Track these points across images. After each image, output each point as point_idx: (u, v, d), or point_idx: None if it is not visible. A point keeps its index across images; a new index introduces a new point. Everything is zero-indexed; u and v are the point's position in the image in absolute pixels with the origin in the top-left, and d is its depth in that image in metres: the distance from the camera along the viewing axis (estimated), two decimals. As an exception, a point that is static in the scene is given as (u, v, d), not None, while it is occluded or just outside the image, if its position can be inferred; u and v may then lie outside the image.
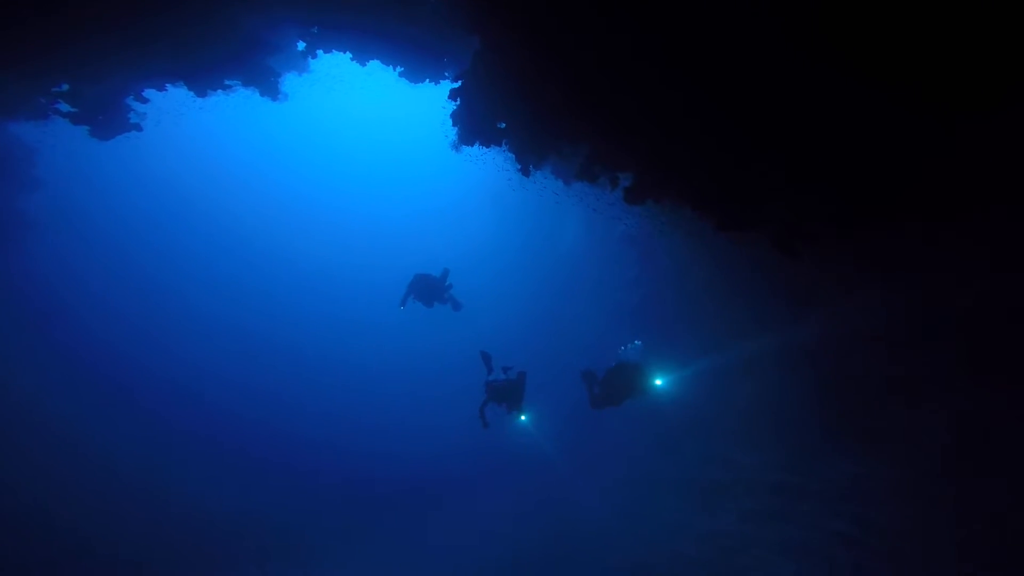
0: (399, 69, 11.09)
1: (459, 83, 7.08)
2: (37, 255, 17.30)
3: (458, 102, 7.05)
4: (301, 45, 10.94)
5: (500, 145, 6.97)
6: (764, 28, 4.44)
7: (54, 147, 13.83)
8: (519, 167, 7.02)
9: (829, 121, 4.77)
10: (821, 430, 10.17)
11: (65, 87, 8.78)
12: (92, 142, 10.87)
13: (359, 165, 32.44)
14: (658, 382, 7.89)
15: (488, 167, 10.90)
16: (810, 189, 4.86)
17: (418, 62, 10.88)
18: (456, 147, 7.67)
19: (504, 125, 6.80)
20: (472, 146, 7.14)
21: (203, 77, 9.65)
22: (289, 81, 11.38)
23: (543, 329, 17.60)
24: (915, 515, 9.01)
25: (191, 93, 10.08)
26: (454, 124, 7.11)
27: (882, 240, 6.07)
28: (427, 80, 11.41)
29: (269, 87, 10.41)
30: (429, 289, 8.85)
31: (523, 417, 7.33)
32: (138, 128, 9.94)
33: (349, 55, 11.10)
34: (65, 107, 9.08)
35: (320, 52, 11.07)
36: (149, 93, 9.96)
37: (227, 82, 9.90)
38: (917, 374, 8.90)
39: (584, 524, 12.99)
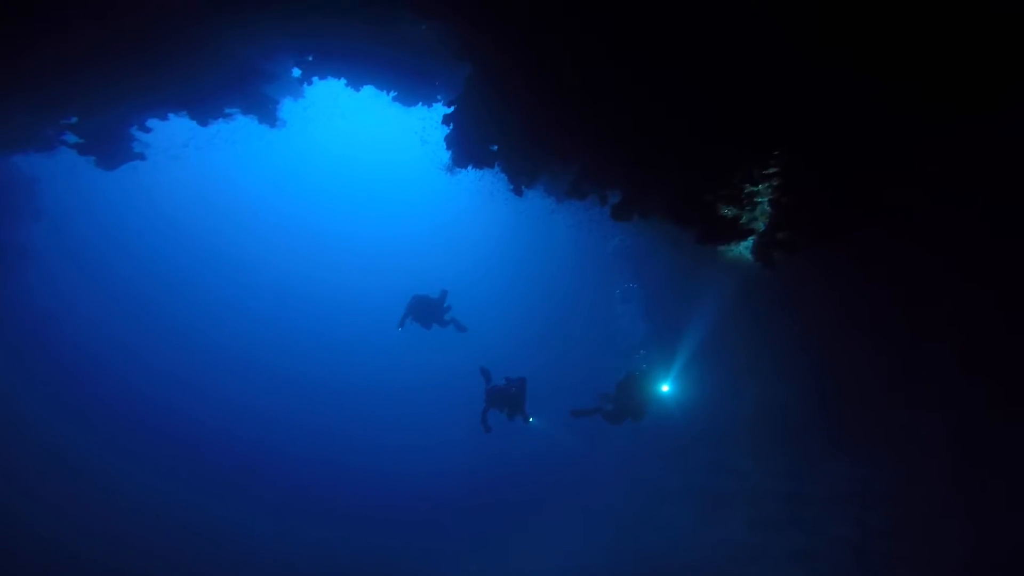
0: (392, 93, 11.58)
1: (452, 108, 7.50)
2: (37, 285, 17.65)
3: (451, 126, 7.46)
4: (296, 72, 11.44)
5: (492, 167, 7.37)
6: (749, 51, 4.83)
7: (55, 177, 14.28)
8: (512, 187, 7.40)
9: (804, 139, 5.16)
10: (823, 436, 10.38)
11: (74, 120, 9.22)
12: (91, 172, 11.32)
13: (354, 188, 33.14)
14: (665, 388, 8.26)
15: (482, 188, 11.33)
16: (785, 202, 5.23)
17: (411, 86, 11.37)
18: (450, 170, 8.07)
19: (496, 147, 7.20)
20: (465, 168, 7.53)
21: (204, 106, 10.11)
22: (285, 107, 11.85)
23: (543, 345, 17.95)
24: (918, 517, 9.18)
25: (191, 123, 10.54)
26: (448, 148, 7.52)
27: (862, 244, 6.42)
28: (420, 103, 11.90)
29: (267, 114, 10.87)
30: (428, 311, 9.16)
31: (531, 420, 7.66)
32: (141, 157, 10.37)
33: (344, 81, 11.59)
34: (72, 138, 9.50)
35: (315, 79, 11.56)
36: (152, 123, 10.41)
37: (227, 110, 10.35)
38: (915, 377, 9.13)
39: (592, 531, 13.10)
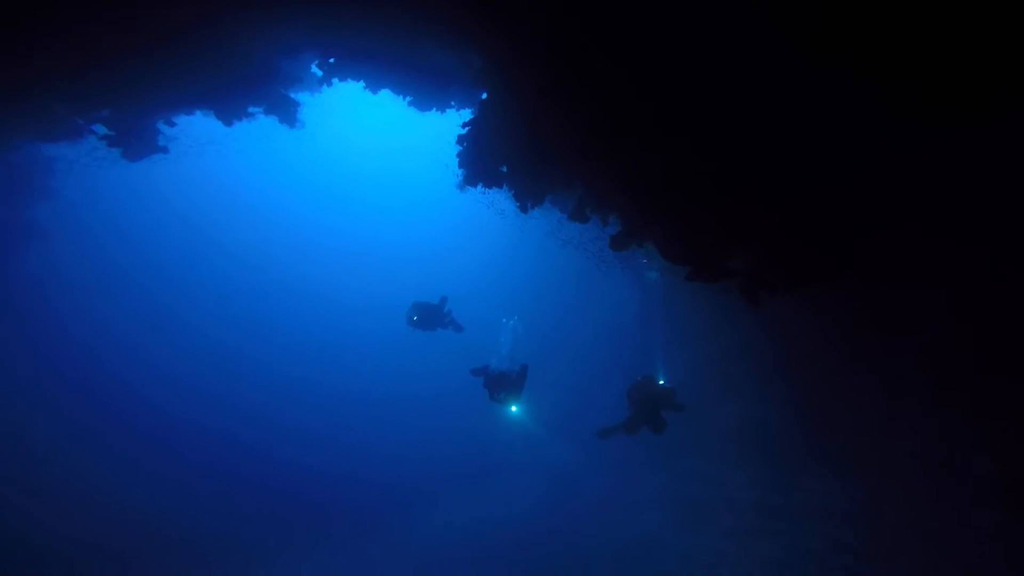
0: (408, 98, 12.50)
1: (466, 129, 8.46)
2: (41, 264, 18.56)
3: (464, 146, 8.42)
4: (318, 72, 12.35)
5: (501, 187, 8.33)
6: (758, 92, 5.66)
7: (71, 159, 15.19)
8: (518, 205, 8.36)
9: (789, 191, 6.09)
10: (799, 451, 11.40)
11: (106, 112, 10.15)
12: (111, 158, 12.27)
13: (363, 191, 33.92)
14: (660, 382, 8.84)
15: (490, 203, 12.31)
16: (769, 247, 6.19)
17: (427, 92, 12.30)
18: (461, 187, 9.03)
19: (505, 169, 8.15)
20: (476, 187, 8.50)
21: (229, 104, 11.03)
22: (303, 106, 12.75)
23: (541, 348, 18.95)
24: (886, 535, 10.20)
25: (207, 122, 11.49)
26: (460, 167, 8.47)
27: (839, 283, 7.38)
28: (434, 108, 12.83)
29: (288, 115, 11.80)
30: (429, 316, 10.23)
31: (514, 408, 8.45)
32: (164, 151, 11.32)
33: (362, 84, 12.52)
34: (102, 130, 10.43)
35: (335, 80, 12.47)
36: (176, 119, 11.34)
37: (250, 109, 11.28)
38: (890, 400, 10.13)
39: (569, 537, 14.13)
